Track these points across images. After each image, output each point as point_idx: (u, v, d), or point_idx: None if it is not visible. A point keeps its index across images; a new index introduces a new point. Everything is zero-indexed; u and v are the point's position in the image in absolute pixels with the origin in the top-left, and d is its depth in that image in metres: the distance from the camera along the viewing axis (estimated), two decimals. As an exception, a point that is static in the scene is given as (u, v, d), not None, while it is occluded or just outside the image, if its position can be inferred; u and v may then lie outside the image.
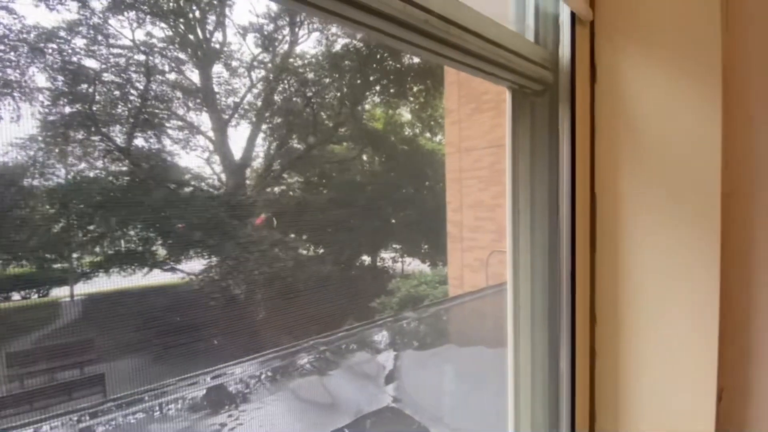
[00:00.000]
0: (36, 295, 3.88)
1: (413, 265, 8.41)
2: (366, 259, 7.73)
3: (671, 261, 0.76)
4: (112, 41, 4.79)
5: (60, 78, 4.27)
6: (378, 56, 7.75)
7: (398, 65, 8.17)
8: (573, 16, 0.79)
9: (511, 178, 0.90)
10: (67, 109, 4.30)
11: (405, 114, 8.75)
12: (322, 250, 6.73)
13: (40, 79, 4.06)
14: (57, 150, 4.07)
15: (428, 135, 9.12)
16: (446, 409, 3.82)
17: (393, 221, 8.01)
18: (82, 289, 4.07)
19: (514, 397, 0.93)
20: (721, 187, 0.69)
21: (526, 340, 0.93)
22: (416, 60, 8.52)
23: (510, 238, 0.92)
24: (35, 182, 3.92)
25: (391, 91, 8.30)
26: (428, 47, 0.60)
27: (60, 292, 3.91)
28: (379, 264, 7.96)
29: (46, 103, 4.06)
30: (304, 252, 6.45)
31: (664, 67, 0.76)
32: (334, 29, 7.05)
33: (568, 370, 0.83)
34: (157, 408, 3.39)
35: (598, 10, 0.83)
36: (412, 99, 8.65)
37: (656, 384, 0.79)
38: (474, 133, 6.71)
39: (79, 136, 4.34)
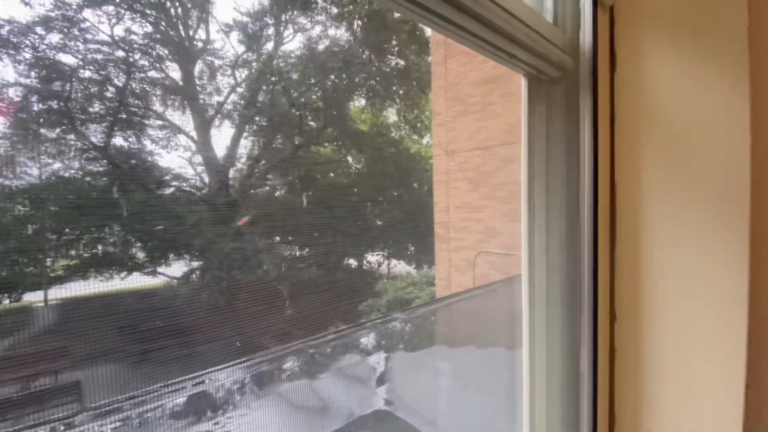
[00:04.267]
0: (8, 300, 3.70)
1: (399, 267, 8.38)
2: (353, 261, 7.67)
3: (696, 254, 0.73)
4: (89, 36, 4.62)
5: (33, 73, 4.09)
6: (365, 57, 7.72)
7: (385, 68, 8.15)
8: (595, -1, 0.76)
9: (527, 169, 0.87)
10: (41, 106, 4.13)
11: (391, 116, 8.72)
12: (307, 252, 6.64)
13: (12, 74, 3.88)
14: (30, 148, 3.89)
15: (415, 137, 9.13)
16: (439, 410, 3.78)
17: (379, 222, 7.98)
18: (58, 293, 3.91)
19: (530, 397, 0.90)
20: (750, 177, 0.67)
21: (541, 337, 0.90)
22: (402, 62, 8.50)
23: (525, 232, 0.89)
24: (6, 182, 3.75)
25: (378, 91, 8.27)
26: (437, 10, 0.56)
27: (33, 297, 3.74)
28: (366, 266, 7.91)
29: (17, 99, 3.88)
30: (289, 254, 6.35)
31: (688, 54, 0.74)
32: (317, 30, 6.98)
33: (590, 370, 0.79)
34: (137, 416, 3.26)
35: (617, -6, 0.80)
36: (398, 101, 8.64)
37: (680, 383, 0.77)
38: (461, 135, 6.74)
39: (53, 134, 4.17)
